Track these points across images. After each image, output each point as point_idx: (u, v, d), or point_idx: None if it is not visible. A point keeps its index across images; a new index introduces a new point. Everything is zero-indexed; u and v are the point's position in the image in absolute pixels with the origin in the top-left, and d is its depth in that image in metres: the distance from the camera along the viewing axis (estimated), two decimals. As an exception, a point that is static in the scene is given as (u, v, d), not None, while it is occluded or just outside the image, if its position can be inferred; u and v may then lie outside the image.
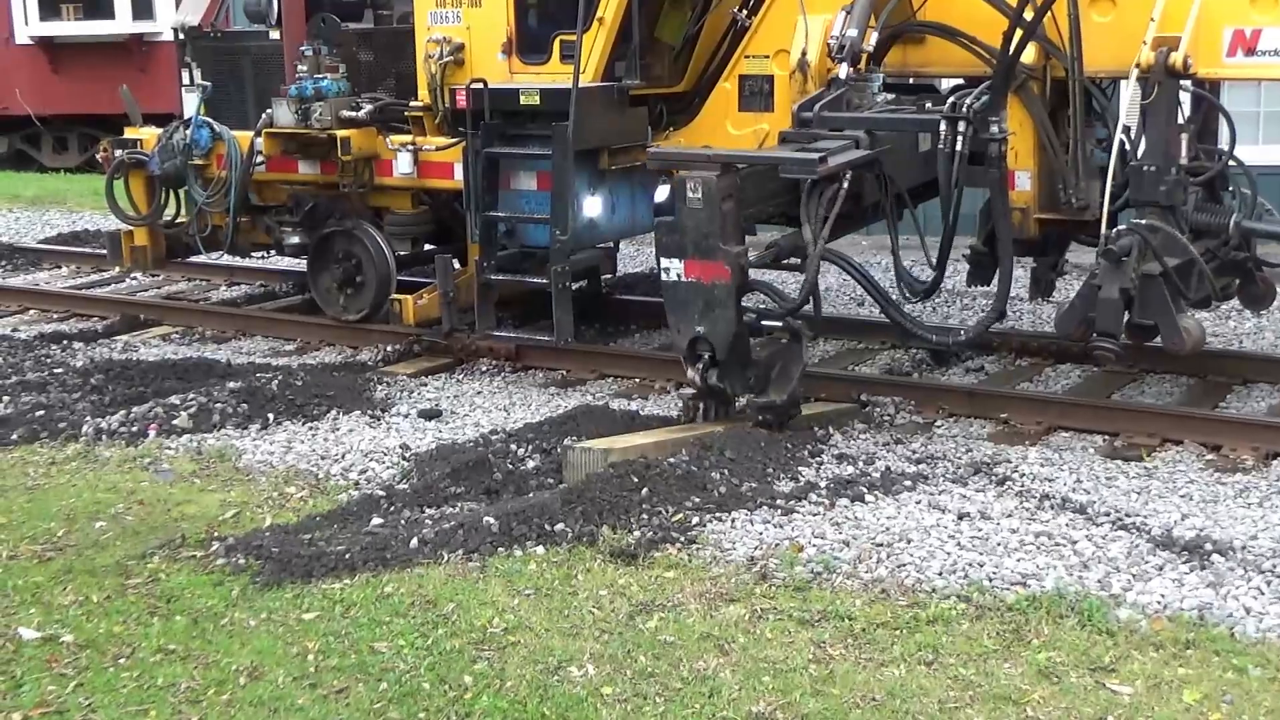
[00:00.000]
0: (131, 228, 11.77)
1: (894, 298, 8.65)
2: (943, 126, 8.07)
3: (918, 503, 7.14)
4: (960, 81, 9.74)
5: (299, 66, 10.67)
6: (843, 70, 8.64)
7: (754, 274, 8.16)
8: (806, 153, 7.88)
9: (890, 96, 9.02)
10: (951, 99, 8.16)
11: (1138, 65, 7.90)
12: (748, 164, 8.16)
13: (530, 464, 7.74)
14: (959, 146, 8.01)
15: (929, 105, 8.66)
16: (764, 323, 8.19)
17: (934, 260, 8.61)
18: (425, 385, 9.78)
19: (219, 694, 5.40)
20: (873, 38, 8.78)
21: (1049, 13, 8.19)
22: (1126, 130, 8.18)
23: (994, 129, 8.04)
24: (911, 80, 10.14)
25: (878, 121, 8.47)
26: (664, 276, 8.02)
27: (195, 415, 8.81)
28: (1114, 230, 7.87)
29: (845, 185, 7.95)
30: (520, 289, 10.09)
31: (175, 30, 11.90)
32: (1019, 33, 8.05)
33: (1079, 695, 5.23)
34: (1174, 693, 5.24)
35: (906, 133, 8.70)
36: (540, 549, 6.63)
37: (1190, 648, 5.56)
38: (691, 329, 7.97)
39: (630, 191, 10.14)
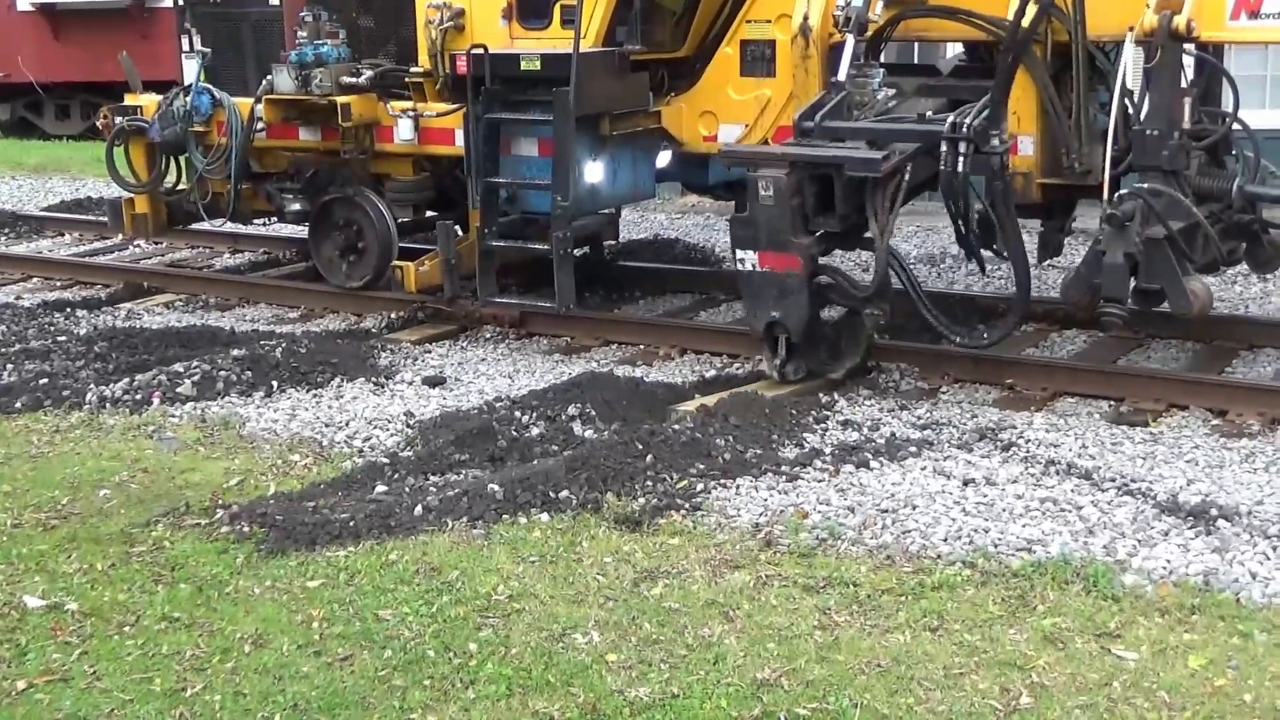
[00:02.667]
0: (133, 195, 11.75)
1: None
2: (943, 148, 8.07)
3: (923, 469, 7.13)
4: (960, 53, 9.73)
5: (299, 33, 10.63)
6: (846, 51, 8.61)
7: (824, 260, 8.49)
8: (870, 151, 8.22)
9: (891, 91, 8.94)
10: (951, 118, 8.11)
11: (1140, 28, 7.86)
12: (813, 163, 8.37)
13: (535, 431, 7.73)
14: (960, 166, 8.03)
15: (929, 114, 8.64)
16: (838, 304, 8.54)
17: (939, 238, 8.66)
18: (429, 352, 9.77)
19: (223, 662, 5.41)
20: (878, 7, 8.74)
21: None
22: (1129, 94, 8.13)
23: (994, 142, 8.05)
24: (915, 51, 10.11)
25: (878, 133, 8.48)
26: (739, 267, 8.46)
27: (199, 383, 8.80)
28: (1117, 195, 7.84)
29: (907, 177, 8.19)
30: (522, 255, 10.06)
31: (175, -4, 11.86)
32: (1027, 15, 8.04)
33: (1084, 661, 5.23)
34: (1179, 658, 5.23)
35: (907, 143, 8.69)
36: (545, 516, 6.63)
37: (1195, 613, 5.56)
38: (767, 315, 8.42)
39: (632, 157, 10.09)
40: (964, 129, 8.00)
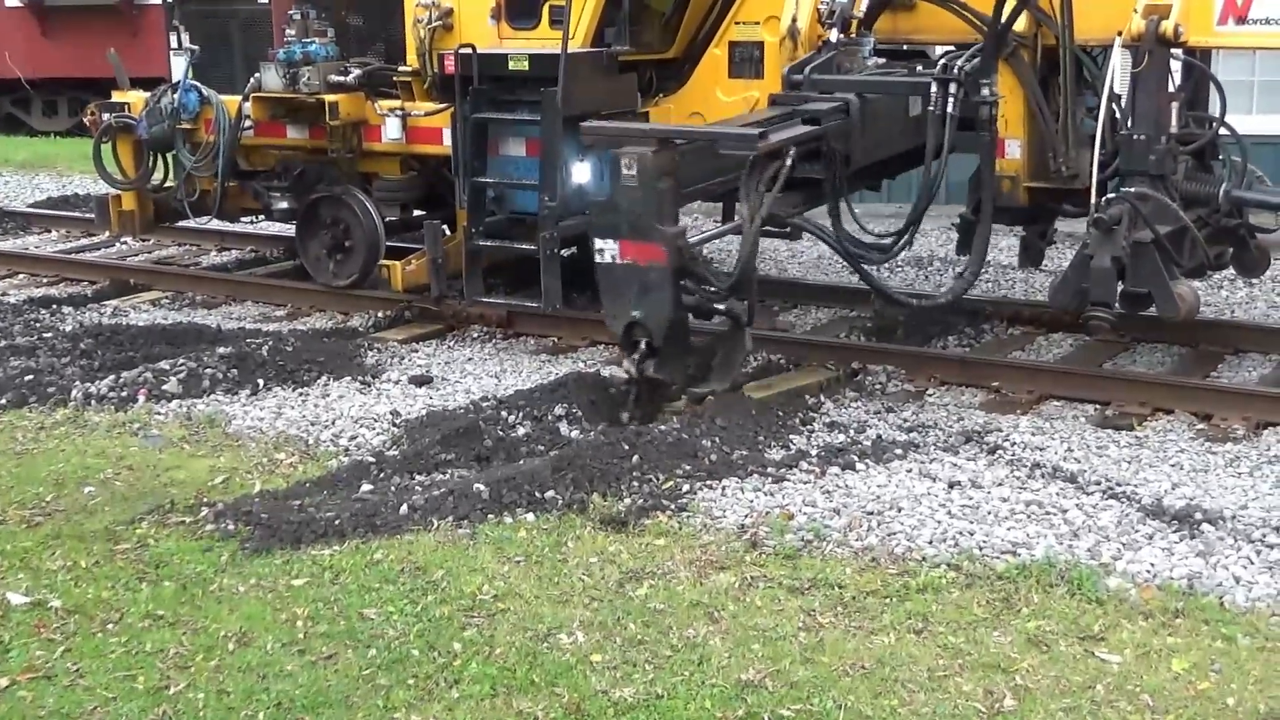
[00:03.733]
0: (120, 192, 11.72)
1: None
2: (934, 88, 8.04)
3: (909, 471, 7.14)
4: (952, 49, 9.74)
5: (287, 31, 10.62)
6: (834, 34, 8.61)
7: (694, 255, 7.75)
8: (747, 128, 7.57)
9: (881, 61, 9.00)
10: (943, 61, 8.15)
11: (1128, 33, 7.89)
12: (687, 140, 7.84)
13: (521, 431, 7.72)
14: (950, 109, 7.98)
15: (920, 68, 8.63)
16: (708, 306, 7.85)
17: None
18: (416, 351, 9.76)
19: (207, 660, 5.40)
20: (863, 4, 8.75)
21: None
22: (1117, 98, 8.16)
23: (985, 92, 8.01)
24: (904, 47, 10.12)
25: (868, 84, 8.43)
26: (597, 258, 7.64)
27: (185, 380, 8.78)
28: (1104, 199, 7.86)
29: (789, 163, 7.63)
30: (509, 255, 10.05)
31: (164, -7, 11.86)
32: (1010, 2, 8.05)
33: (1068, 664, 5.24)
34: (1163, 661, 5.24)
35: (896, 96, 8.65)
36: (530, 516, 6.63)
37: (1179, 617, 5.57)
38: (627, 314, 7.60)
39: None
40: (955, 71, 7.96)
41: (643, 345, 7.63)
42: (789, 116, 7.99)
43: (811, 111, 8.07)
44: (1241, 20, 8.02)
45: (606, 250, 7.57)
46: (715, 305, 7.78)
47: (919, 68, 8.70)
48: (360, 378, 8.99)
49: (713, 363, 7.96)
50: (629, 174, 7.39)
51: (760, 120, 7.97)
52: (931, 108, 8.06)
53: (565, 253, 9.50)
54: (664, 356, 7.66)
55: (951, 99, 8.01)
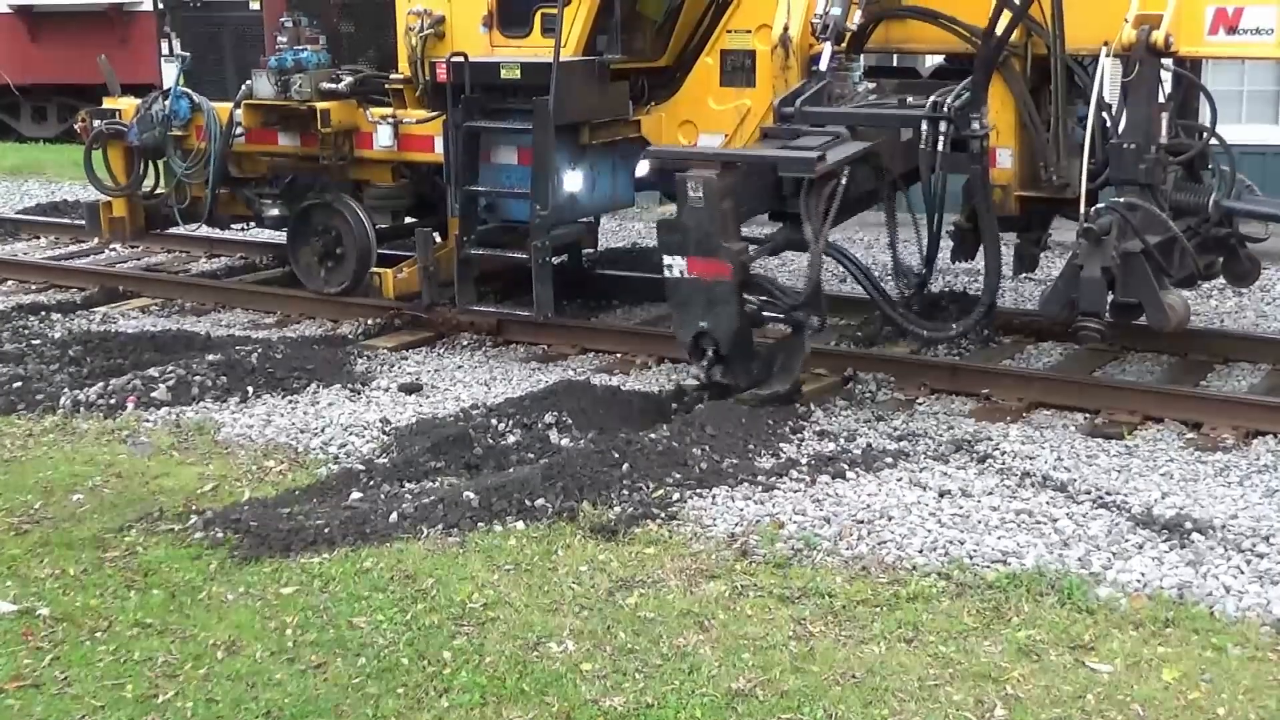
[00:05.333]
0: (110, 199, 11.70)
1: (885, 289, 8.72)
2: (924, 126, 8.09)
3: (899, 480, 7.14)
4: (941, 60, 9.76)
5: (279, 38, 10.61)
6: (824, 59, 8.62)
7: (756, 267, 8.25)
8: (803, 150, 7.91)
9: (872, 85, 8.99)
10: (933, 97, 8.16)
11: (1118, 43, 7.89)
12: (746, 162, 8.18)
13: (511, 439, 7.71)
14: (940, 145, 8.05)
15: (910, 100, 8.66)
16: (766, 315, 8.21)
17: (913, 247, 8.65)
18: (406, 359, 9.75)
19: (196, 668, 5.38)
20: (856, 16, 8.76)
21: None
22: (1107, 108, 8.17)
23: (975, 125, 8.06)
24: (894, 61, 10.14)
25: (859, 117, 8.48)
26: (666, 273, 8.07)
27: (174, 388, 8.76)
28: (1094, 209, 7.87)
29: (844, 181, 7.98)
30: (501, 263, 10.05)
31: (155, 0, 11.82)
32: (1002, 22, 8.04)
33: (1058, 673, 5.23)
34: (1153, 671, 5.24)
35: (888, 128, 8.71)
36: (520, 524, 6.62)
37: (1170, 626, 5.57)
38: (695, 325, 8.04)
39: (611, 166, 10.09)
40: (944, 109, 8.02)
41: (710, 353, 8.08)
42: (835, 136, 8.25)
43: (819, 144, 8.22)
44: (1232, 30, 8.02)
45: (675, 266, 8.02)
46: (775, 316, 8.18)
47: (909, 99, 8.70)
48: (350, 385, 8.98)
49: (774, 366, 8.25)
50: (695, 195, 7.86)
51: (815, 142, 8.20)
52: (922, 145, 8.12)
53: (556, 261, 9.49)
54: (730, 362, 8.10)
55: (941, 136, 8.08)
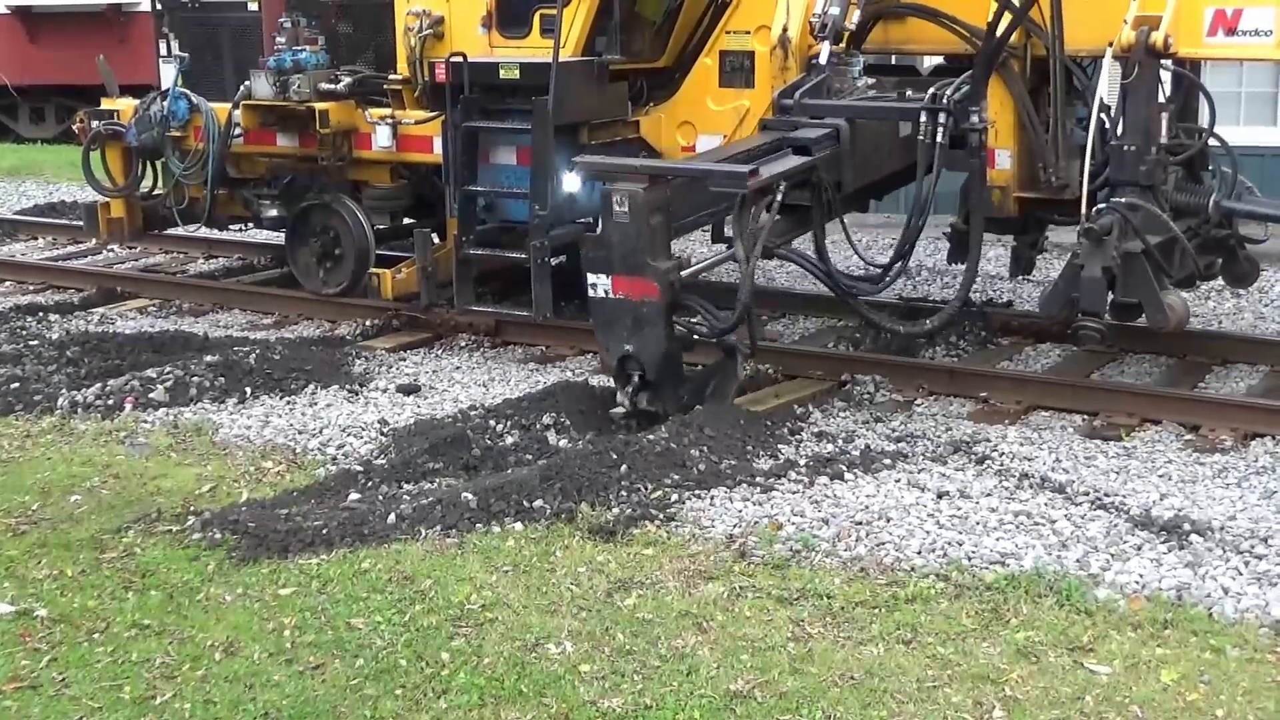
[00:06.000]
0: (108, 199, 11.70)
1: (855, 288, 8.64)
2: (923, 117, 8.07)
3: (897, 481, 7.13)
4: (941, 60, 9.75)
5: (277, 38, 10.61)
6: (824, 54, 8.61)
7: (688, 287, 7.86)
8: (737, 164, 7.63)
9: (871, 81, 9.00)
10: (932, 89, 8.16)
11: (1118, 44, 7.89)
12: (677, 175, 7.91)
13: (509, 440, 7.70)
14: (939, 137, 8.02)
15: (909, 93, 8.64)
16: (697, 338, 7.95)
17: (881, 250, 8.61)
18: (404, 360, 9.74)
19: (194, 669, 5.37)
20: (855, 16, 8.75)
21: None
22: (1106, 109, 8.16)
23: (974, 119, 8.04)
24: (893, 59, 10.14)
25: (858, 110, 8.45)
26: (590, 293, 7.72)
27: (172, 389, 8.75)
28: (1094, 209, 7.87)
29: (779, 198, 7.72)
30: (499, 264, 10.05)
31: (153, 1, 11.82)
32: (1003, 22, 8.04)
33: (1057, 675, 5.23)
34: (1152, 673, 5.24)
35: (886, 120, 8.69)
36: (518, 525, 6.61)
37: (1168, 628, 5.57)
38: (620, 347, 7.69)
39: (610, 167, 10.07)
40: (943, 100, 7.99)
41: (636, 378, 7.72)
42: (778, 147, 8.05)
43: (801, 139, 8.12)
44: (1231, 31, 8.02)
45: (599, 285, 7.66)
46: (708, 338, 7.87)
47: (908, 92, 8.69)
48: (348, 386, 8.97)
49: (706, 392, 8.02)
50: (620, 210, 7.48)
51: (749, 152, 8.00)
52: (921, 136, 8.10)
53: (555, 261, 9.49)
54: (657, 388, 7.76)
55: (940, 128, 8.06)
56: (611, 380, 8.15)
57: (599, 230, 7.71)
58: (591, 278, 7.70)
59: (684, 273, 7.79)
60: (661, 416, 7.76)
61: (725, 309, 7.84)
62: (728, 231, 7.98)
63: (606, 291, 7.66)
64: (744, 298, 7.67)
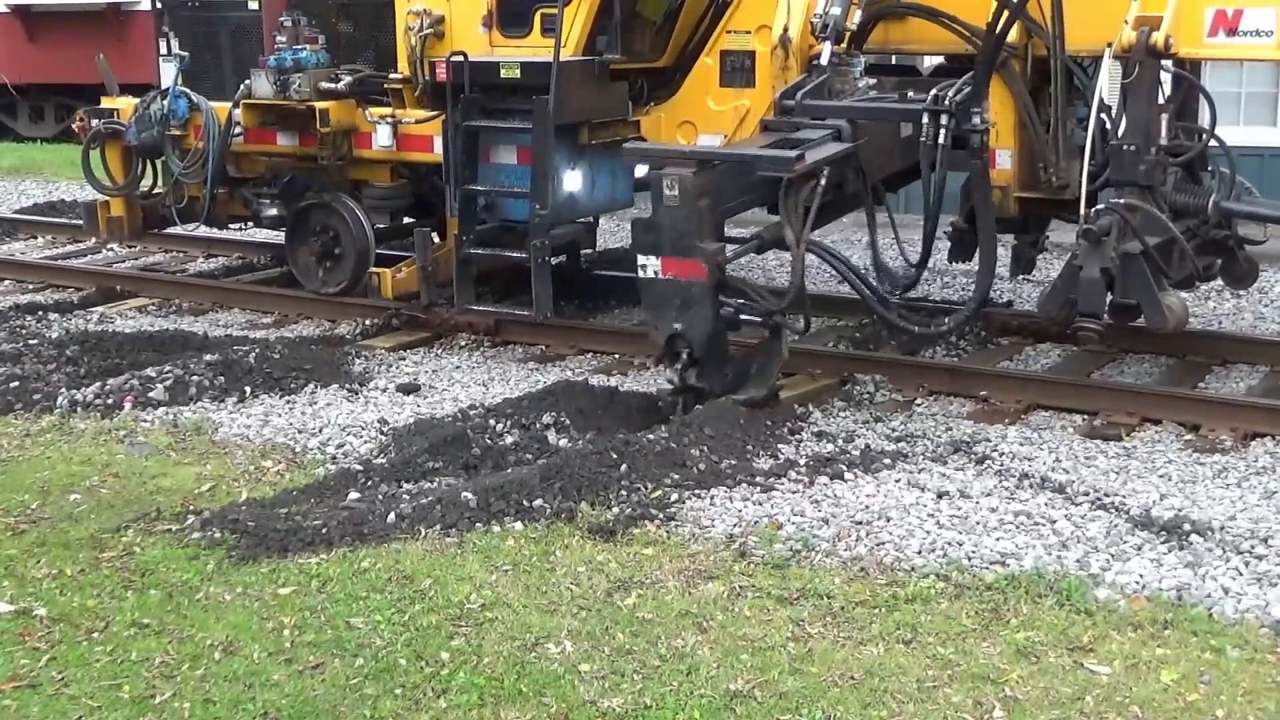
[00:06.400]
0: (108, 198, 11.69)
1: (877, 288, 8.65)
2: (925, 119, 8.07)
3: (897, 481, 7.13)
4: (941, 60, 9.75)
5: (278, 37, 10.61)
6: (825, 54, 8.61)
7: (738, 266, 8.10)
8: (783, 149, 7.79)
9: (872, 81, 9.00)
10: (934, 91, 8.15)
11: (1118, 44, 7.89)
12: (723, 160, 8.07)
13: (509, 439, 7.70)
14: (941, 139, 8.02)
15: (911, 94, 8.64)
16: (743, 319, 8.07)
17: (914, 248, 8.64)
18: (404, 359, 9.74)
19: (193, 669, 5.37)
20: (856, 16, 8.75)
21: None
22: (1107, 109, 8.16)
23: (976, 120, 8.04)
24: (894, 60, 10.14)
25: (860, 110, 8.46)
26: (640, 273, 7.91)
27: (171, 388, 8.75)
28: (1093, 210, 7.87)
29: (824, 181, 7.86)
30: (499, 263, 10.05)
31: (153, 0, 11.82)
32: (1003, 20, 8.03)
33: (1057, 675, 5.23)
34: (1152, 673, 5.24)
35: (887, 122, 8.69)
36: (518, 525, 6.61)
37: (1168, 628, 5.56)
38: (669, 327, 7.89)
39: (611, 166, 10.08)
40: (945, 101, 8.01)
41: (684, 356, 7.90)
42: (822, 135, 8.16)
43: (799, 142, 8.13)
44: (1232, 32, 8.02)
45: (649, 266, 7.86)
46: (755, 319, 8.02)
47: (910, 93, 8.69)
48: (348, 385, 8.97)
49: (750, 370, 8.12)
50: (670, 194, 7.68)
51: (791, 140, 8.08)
52: (923, 137, 8.10)
53: (555, 261, 9.49)
54: (704, 366, 7.94)
55: (942, 130, 8.06)
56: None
57: (650, 213, 7.89)
58: (641, 259, 7.89)
59: (731, 253, 8.00)
60: (708, 393, 7.95)
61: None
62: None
63: (656, 272, 7.86)
64: (796, 279, 7.84)
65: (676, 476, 7.07)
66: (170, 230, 12.54)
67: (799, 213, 7.83)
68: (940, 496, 6.90)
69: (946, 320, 8.63)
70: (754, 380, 8.04)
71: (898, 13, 9.13)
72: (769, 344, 8.16)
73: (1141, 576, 5.98)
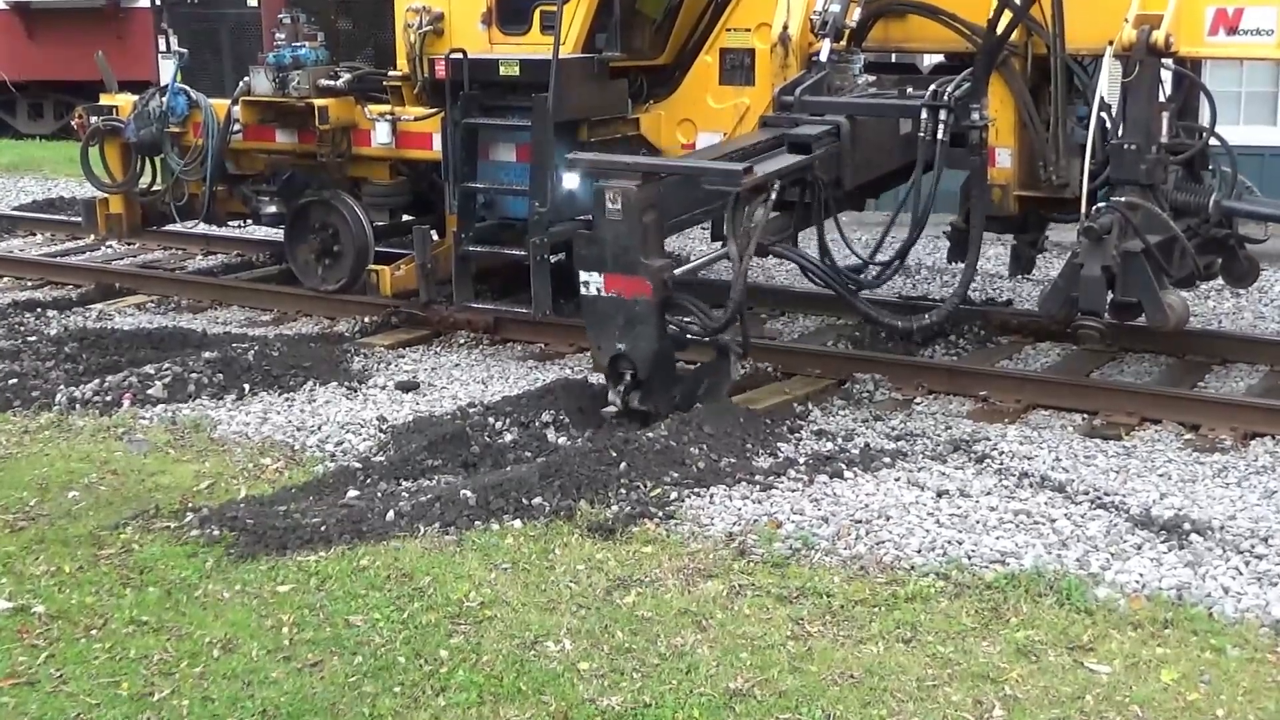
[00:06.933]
0: (107, 195, 11.68)
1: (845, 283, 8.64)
2: (924, 114, 8.06)
3: (897, 480, 7.12)
4: (941, 59, 9.74)
5: (277, 34, 10.60)
6: (824, 51, 8.61)
7: (682, 286, 7.82)
8: (729, 162, 7.60)
9: (872, 78, 8.99)
10: (933, 86, 8.14)
11: (1119, 43, 7.89)
12: (669, 173, 7.90)
13: (508, 437, 7.69)
14: (940, 134, 8.01)
15: (910, 90, 8.63)
16: (689, 338, 7.90)
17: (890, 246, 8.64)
18: (403, 357, 9.73)
19: (192, 666, 5.36)
20: (855, 13, 8.75)
21: None
22: (1107, 108, 8.16)
23: (975, 116, 8.03)
24: (893, 57, 10.13)
25: (858, 106, 8.44)
26: (582, 290, 7.68)
27: (170, 385, 8.74)
28: (1094, 208, 7.86)
29: (774, 195, 7.71)
30: (498, 261, 10.03)
31: (152, -4, 11.83)
32: (1004, 19, 8.03)
33: (1057, 674, 5.22)
34: (1152, 672, 5.23)
35: (886, 117, 8.68)
36: (517, 523, 6.60)
37: (1168, 627, 5.56)
38: (612, 346, 7.66)
39: (610, 164, 10.06)
40: (944, 97, 7.99)
41: (628, 377, 7.68)
42: (776, 144, 8.04)
43: (802, 136, 8.10)
44: (1232, 31, 8.01)
45: (592, 283, 7.60)
46: (700, 338, 7.83)
47: (909, 89, 8.68)
48: (347, 383, 8.96)
49: (699, 392, 7.98)
50: (613, 207, 7.44)
51: (744, 150, 7.98)
52: (922, 134, 8.09)
53: (554, 259, 9.48)
54: (649, 388, 7.71)
55: (941, 125, 8.05)
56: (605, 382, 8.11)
57: (592, 228, 7.67)
58: (584, 275, 7.65)
59: (678, 271, 7.76)
60: (653, 416, 7.72)
61: (719, 308, 7.81)
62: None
63: (599, 290, 7.61)
64: (736, 296, 7.62)
65: (676, 475, 7.06)
66: (169, 227, 12.55)
67: (745, 228, 7.61)
68: (940, 495, 6.90)
69: (928, 315, 8.62)
70: (703, 401, 7.87)
71: (897, 10, 9.12)
72: (717, 364, 8.01)
73: (1141, 576, 5.98)
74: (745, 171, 7.44)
